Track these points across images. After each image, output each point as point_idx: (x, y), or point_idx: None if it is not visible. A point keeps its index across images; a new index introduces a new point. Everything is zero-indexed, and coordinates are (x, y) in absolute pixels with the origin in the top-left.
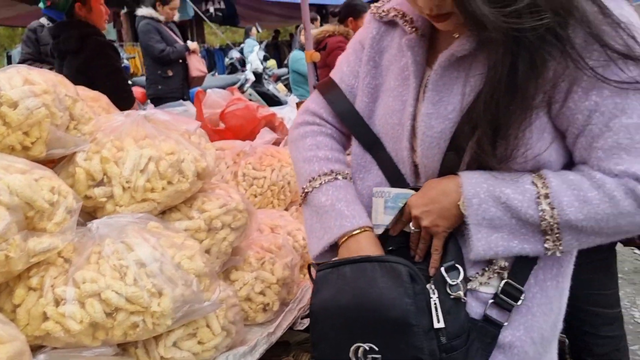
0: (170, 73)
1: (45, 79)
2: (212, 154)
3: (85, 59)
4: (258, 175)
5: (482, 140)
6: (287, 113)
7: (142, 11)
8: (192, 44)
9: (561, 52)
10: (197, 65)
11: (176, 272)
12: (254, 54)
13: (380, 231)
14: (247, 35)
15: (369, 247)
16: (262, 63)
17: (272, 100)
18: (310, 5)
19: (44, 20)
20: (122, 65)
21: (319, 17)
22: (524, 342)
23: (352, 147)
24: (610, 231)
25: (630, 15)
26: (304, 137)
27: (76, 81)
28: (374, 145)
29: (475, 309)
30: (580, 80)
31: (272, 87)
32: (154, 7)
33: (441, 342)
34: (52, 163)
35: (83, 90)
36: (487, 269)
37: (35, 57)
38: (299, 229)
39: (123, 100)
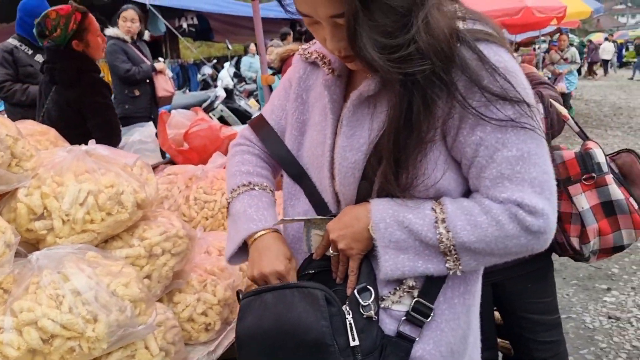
0: (137, 93)
1: None
2: (153, 184)
3: (79, 93)
4: (209, 199)
5: (386, 171)
6: None
7: (109, 31)
8: (159, 64)
9: (447, 94)
10: (163, 85)
11: (110, 299)
12: (225, 71)
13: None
14: (245, 52)
15: (274, 246)
16: (232, 79)
17: (244, 116)
18: (284, 20)
19: (14, 41)
20: None
21: (291, 32)
22: (433, 356)
23: (283, 177)
24: (500, 252)
25: (507, 61)
26: (234, 156)
27: (66, 112)
28: (301, 176)
29: (389, 326)
30: (467, 118)
31: (243, 103)
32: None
33: (357, 358)
34: None
35: (32, 125)
36: (398, 288)
37: (14, 78)
38: None
39: (111, 138)
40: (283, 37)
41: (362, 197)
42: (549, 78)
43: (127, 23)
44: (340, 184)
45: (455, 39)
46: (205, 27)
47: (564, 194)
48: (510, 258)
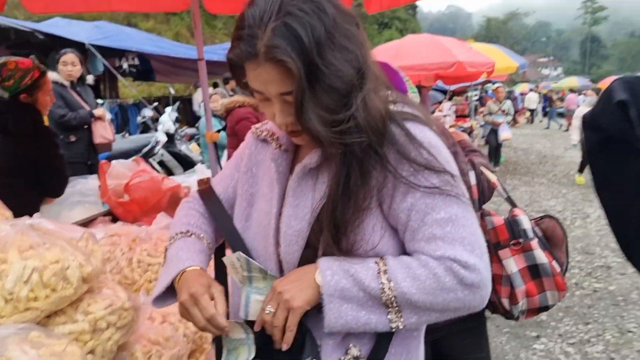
0: (73, 138)
1: None
2: (99, 255)
3: (37, 145)
4: (153, 262)
5: (328, 237)
6: (194, 182)
7: (50, 76)
8: (98, 111)
9: (380, 165)
10: (101, 132)
11: None
12: (166, 115)
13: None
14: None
15: (195, 275)
16: (174, 124)
17: (185, 161)
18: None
19: None
20: None
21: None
22: None
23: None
24: (439, 306)
25: (431, 138)
26: (181, 210)
27: (19, 161)
28: (239, 247)
29: None
30: (399, 186)
31: (184, 148)
32: (55, 70)
33: None
34: None
35: None
36: (342, 358)
37: None
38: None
39: (61, 188)
40: (226, 81)
41: (305, 264)
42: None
43: (68, 67)
44: (285, 252)
45: (387, 119)
46: (147, 67)
47: (494, 257)
48: (450, 315)
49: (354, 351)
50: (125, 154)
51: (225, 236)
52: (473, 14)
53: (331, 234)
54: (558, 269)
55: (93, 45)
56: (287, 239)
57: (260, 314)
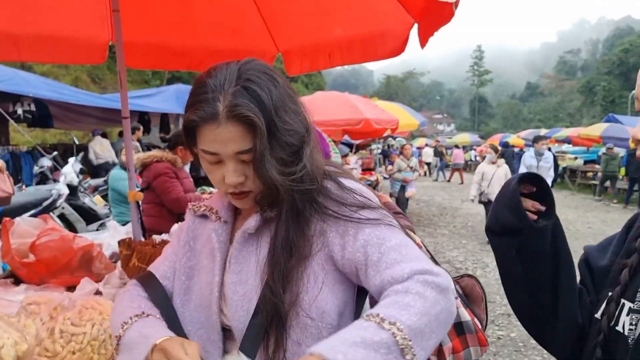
0: None
1: None
2: (33, 330)
3: None
4: (77, 332)
5: (275, 290)
6: (106, 239)
7: None
8: None
9: (319, 213)
10: (0, 185)
11: None
12: (70, 166)
13: None
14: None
15: (173, 347)
16: (78, 175)
17: (89, 214)
18: (132, 112)
19: None
20: None
21: (141, 127)
22: None
23: None
24: (434, 322)
25: (358, 185)
26: (122, 297)
27: None
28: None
29: None
30: (347, 230)
31: (88, 200)
32: None
33: None
34: None
35: None
36: None
37: None
38: None
39: None
40: (131, 131)
41: (253, 331)
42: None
43: None
44: (232, 318)
45: (323, 173)
46: (45, 113)
47: None
48: (443, 330)
49: None
50: (23, 208)
51: (167, 323)
52: (374, 71)
53: (277, 286)
54: (480, 326)
55: None
56: (233, 305)
57: None
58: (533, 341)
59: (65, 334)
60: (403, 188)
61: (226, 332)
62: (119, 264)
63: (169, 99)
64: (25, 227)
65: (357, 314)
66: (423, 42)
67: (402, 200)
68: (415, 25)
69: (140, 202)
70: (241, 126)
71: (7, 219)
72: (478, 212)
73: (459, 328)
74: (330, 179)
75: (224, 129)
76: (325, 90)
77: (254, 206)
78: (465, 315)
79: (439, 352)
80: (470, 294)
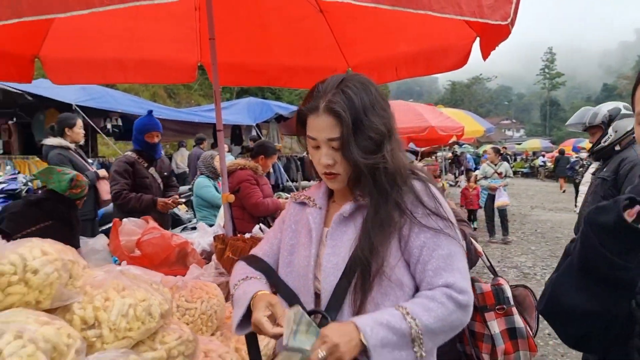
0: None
1: (56, 249)
2: (169, 297)
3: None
4: (190, 306)
5: (362, 257)
6: (196, 238)
7: (51, 141)
8: (102, 171)
9: (399, 209)
10: (106, 189)
11: None
12: None
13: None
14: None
15: (261, 298)
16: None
17: (173, 219)
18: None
19: (133, 154)
20: (27, 188)
21: (205, 139)
22: None
23: None
24: (447, 327)
25: (438, 194)
26: (235, 269)
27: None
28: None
29: None
30: (414, 227)
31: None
32: (61, 135)
33: None
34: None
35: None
36: None
37: (130, 188)
38: (227, 352)
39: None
40: (199, 142)
41: (338, 291)
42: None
43: (82, 130)
44: (324, 281)
45: (408, 171)
46: (129, 127)
47: (478, 316)
48: (450, 334)
49: None
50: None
51: (272, 282)
52: (439, 78)
53: (365, 257)
54: (531, 333)
55: (79, 106)
56: (325, 271)
57: (313, 358)
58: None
59: (181, 308)
60: (492, 197)
61: (316, 299)
62: (214, 256)
63: (240, 112)
64: (130, 227)
65: None
66: (485, 55)
67: (488, 212)
68: (478, 39)
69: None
70: (332, 119)
71: (117, 219)
72: (548, 219)
73: (512, 332)
74: (420, 181)
75: (321, 119)
76: (389, 98)
77: (347, 195)
78: (519, 322)
79: (492, 352)
80: (522, 302)
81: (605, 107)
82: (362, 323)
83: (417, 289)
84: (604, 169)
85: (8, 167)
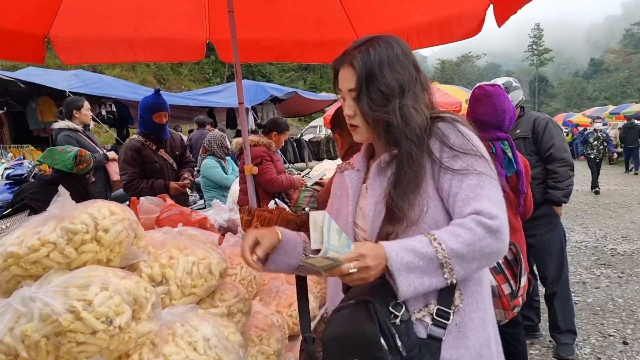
0: (92, 179)
1: (122, 209)
2: (224, 257)
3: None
4: (230, 272)
5: (396, 202)
6: (211, 215)
7: (60, 124)
8: (111, 153)
9: (428, 156)
10: (116, 169)
11: (228, 343)
12: None
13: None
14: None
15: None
16: None
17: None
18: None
19: (139, 138)
20: (33, 173)
21: (207, 120)
22: (464, 357)
23: None
24: (477, 253)
25: (467, 130)
26: None
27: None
28: None
29: (422, 331)
30: (443, 171)
31: None
32: (69, 118)
33: (402, 355)
34: None
35: None
36: (422, 308)
37: (140, 175)
38: (272, 313)
39: None
40: (201, 124)
41: (383, 237)
42: None
43: (89, 112)
44: (368, 227)
45: (426, 128)
46: (124, 114)
47: None
48: (487, 262)
49: (431, 299)
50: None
51: None
52: (427, 57)
53: (397, 198)
54: (506, 292)
55: (72, 93)
56: (368, 216)
57: (344, 270)
58: (610, 305)
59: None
60: None
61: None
62: (239, 228)
63: (234, 94)
64: (149, 205)
65: None
66: (500, 22)
67: None
68: (491, 6)
69: (226, 187)
70: (351, 70)
71: (134, 198)
72: None
73: None
74: (444, 121)
75: (345, 72)
76: None
77: (384, 148)
78: (492, 281)
79: None
80: (515, 258)
81: (500, 81)
82: (389, 248)
83: None
84: (517, 130)
85: (10, 155)
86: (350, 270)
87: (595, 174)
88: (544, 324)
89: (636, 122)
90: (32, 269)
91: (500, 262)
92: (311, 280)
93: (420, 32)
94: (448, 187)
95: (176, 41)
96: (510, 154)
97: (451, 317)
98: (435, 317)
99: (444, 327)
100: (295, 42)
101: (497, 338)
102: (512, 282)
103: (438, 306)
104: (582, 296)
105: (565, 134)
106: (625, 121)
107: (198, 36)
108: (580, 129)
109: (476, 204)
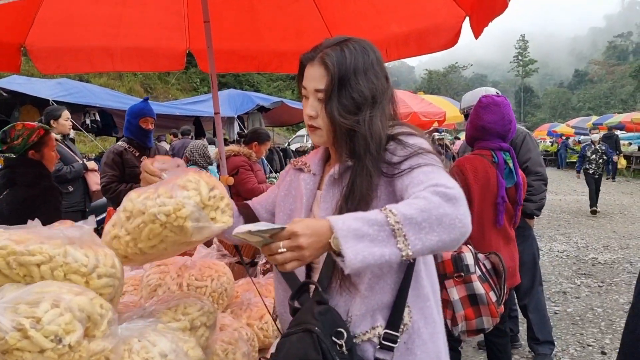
0: (70, 189)
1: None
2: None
3: (36, 194)
4: (200, 285)
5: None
6: None
7: None
8: (91, 163)
9: (380, 172)
10: (95, 180)
11: (187, 359)
12: None
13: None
14: None
15: None
16: None
17: None
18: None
19: (123, 144)
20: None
21: (191, 130)
22: None
23: None
24: (435, 222)
25: (416, 139)
26: None
27: (19, 210)
28: None
29: (370, 350)
30: (395, 181)
31: None
32: (49, 125)
33: None
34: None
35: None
36: (368, 331)
37: (120, 179)
38: (242, 326)
39: None
40: (185, 133)
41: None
42: None
43: (68, 122)
44: None
45: (385, 140)
46: (108, 123)
47: (443, 285)
48: (448, 234)
49: (378, 322)
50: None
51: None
52: (415, 67)
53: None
54: (494, 299)
55: (56, 102)
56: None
57: (272, 248)
58: (589, 315)
59: (191, 287)
60: None
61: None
62: (215, 239)
63: (221, 104)
64: None
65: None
66: (477, 33)
67: None
68: (467, 18)
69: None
70: (323, 69)
71: (111, 208)
72: None
73: (472, 299)
74: (394, 140)
75: (314, 69)
76: None
77: (340, 157)
78: (480, 289)
79: (453, 317)
80: (496, 269)
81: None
82: (336, 218)
83: None
84: None
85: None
86: (280, 250)
87: (594, 191)
88: (523, 334)
89: (616, 132)
90: (15, 269)
91: (483, 270)
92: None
93: (399, 42)
94: (400, 185)
95: (156, 50)
96: (511, 165)
97: (399, 338)
98: (383, 341)
99: (391, 349)
100: (274, 53)
101: (446, 350)
102: (496, 289)
103: (386, 330)
104: (562, 306)
105: (550, 143)
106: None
107: (178, 45)
108: (564, 138)
109: (430, 181)
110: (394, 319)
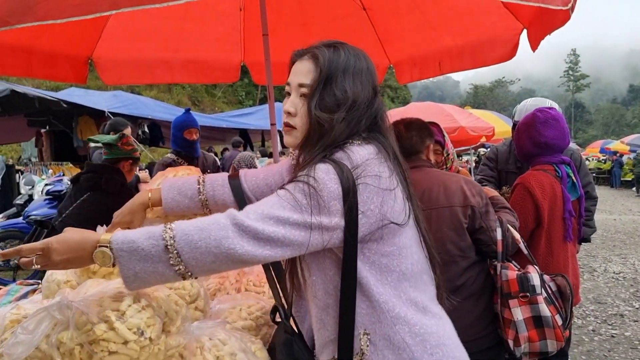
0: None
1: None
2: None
3: (116, 202)
4: (258, 290)
5: None
6: None
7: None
8: (142, 173)
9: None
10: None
11: (255, 359)
12: None
13: None
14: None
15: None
16: None
17: None
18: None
19: (172, 156)
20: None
21: (243, 141)
22: None
23: None
24: (213, 244)
25: (319, 169)
26: None
27: (103, 214)
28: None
29: None
30: None
31: None
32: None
33: None
34: None
35: None
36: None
37: None
38: None
39: None
40: (236, 145)
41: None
42: None
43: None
44: None
45: (334, 148)
46: (157, 134)
47: (507, 304)
48: (226, 262)
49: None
50: None
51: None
52: (460, 82)
53: None
54: (560, 323)
55: (111, 113)
56: None
57: (26, 263)
58: None
59: (250, 292)
60: None
61: None
62: None
63: (266, 117)
64: None
65: None
66: (534, 46)
67: None
68: (525, 31)
69: None
70: (312, 64)
71: None
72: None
73: (537, 321)
74: (323, 162)
75: (302, 64)
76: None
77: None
78: (546, 311)
79: (515, 338)
80: (563, 292)
81: (552, 103)
82: (117, 234)
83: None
84: None
85: (50, 172)
86: (34, 267)
87: None
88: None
89: None
90: None
91: (549, 292)
92: None
93: (453, 56)
94: None
95: (212, 63)
96: (574, 178)
97: None
98: None
99: None
100: None
101: None
102: (561, 312)
103: None
104: (620, 329)
105: (603, 161)
106: None
107: (233, 58)
108: (618, 155)
109: (259, 207)
110: (342, 348)
